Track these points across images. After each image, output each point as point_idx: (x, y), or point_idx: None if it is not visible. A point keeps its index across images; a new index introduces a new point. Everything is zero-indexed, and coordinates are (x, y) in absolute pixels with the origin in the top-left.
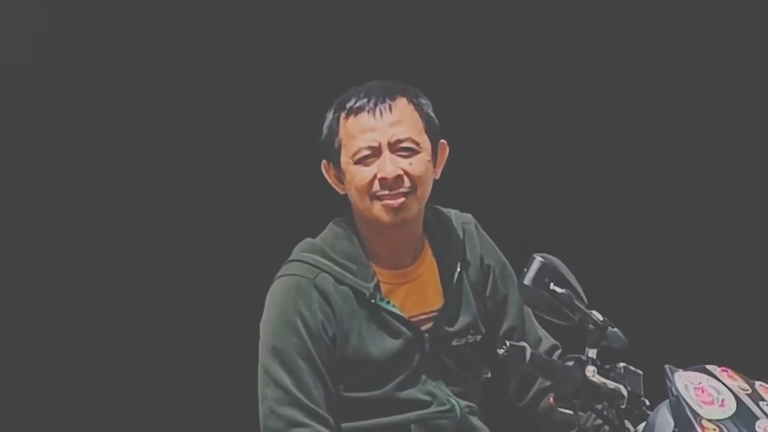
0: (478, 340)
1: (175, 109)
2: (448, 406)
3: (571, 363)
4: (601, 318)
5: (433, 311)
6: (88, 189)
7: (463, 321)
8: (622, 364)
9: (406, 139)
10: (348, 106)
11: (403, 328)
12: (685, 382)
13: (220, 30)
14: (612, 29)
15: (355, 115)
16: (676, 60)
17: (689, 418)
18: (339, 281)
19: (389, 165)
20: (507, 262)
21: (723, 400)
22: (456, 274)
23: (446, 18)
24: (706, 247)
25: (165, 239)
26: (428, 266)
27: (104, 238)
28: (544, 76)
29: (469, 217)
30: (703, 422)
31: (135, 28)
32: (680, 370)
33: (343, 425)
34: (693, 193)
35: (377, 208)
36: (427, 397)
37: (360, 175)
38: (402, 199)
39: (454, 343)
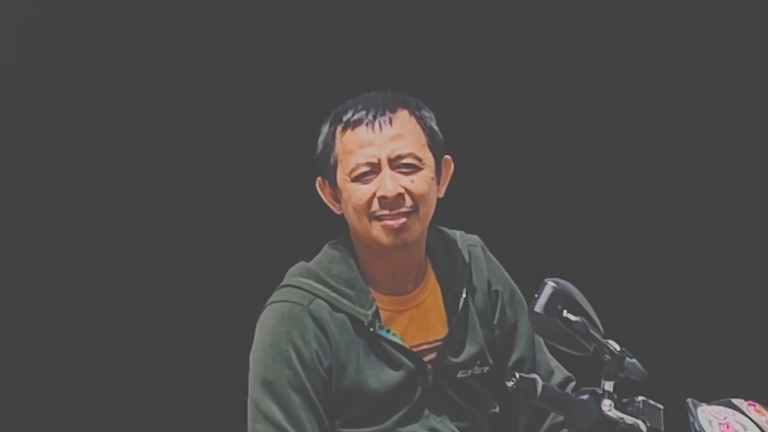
0: (485, 371)
1: (163, 123)
2: None
3: (585, 396)
4: (618, 348)
5: (436, 341)
6: (63, 212)
7: (469, 351)
8: (641, 398)
9: (408, 155)
10: (345, 119)
11: (405, 359)
12: (709, 417)
13: (208, 41)
14: (625, 48)
15: (353, 129)
16: (679, 68)
17: None
18: (335, 308)
19: (389, 183)
20: (516, 287)
21: None
22: (461, 301)
23: (451, 25)
24: (735, 273)
25: (148, 263)
26: (431, 292)
27: (84, 270)
28: (557, 90)
29: (475, 239)
30: None
31: (129, 41)
32: (704, 404)
33: None
34: (714, 212)
35: (376, 229)
36: None
37: (358, 193)
38: (403, 220)
39: (459, 375)
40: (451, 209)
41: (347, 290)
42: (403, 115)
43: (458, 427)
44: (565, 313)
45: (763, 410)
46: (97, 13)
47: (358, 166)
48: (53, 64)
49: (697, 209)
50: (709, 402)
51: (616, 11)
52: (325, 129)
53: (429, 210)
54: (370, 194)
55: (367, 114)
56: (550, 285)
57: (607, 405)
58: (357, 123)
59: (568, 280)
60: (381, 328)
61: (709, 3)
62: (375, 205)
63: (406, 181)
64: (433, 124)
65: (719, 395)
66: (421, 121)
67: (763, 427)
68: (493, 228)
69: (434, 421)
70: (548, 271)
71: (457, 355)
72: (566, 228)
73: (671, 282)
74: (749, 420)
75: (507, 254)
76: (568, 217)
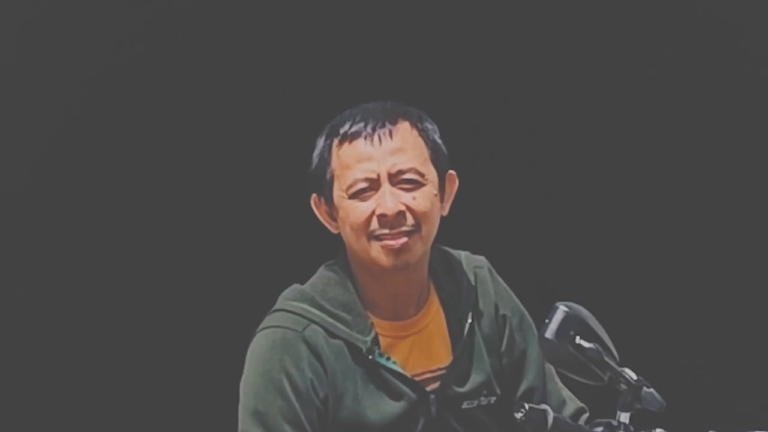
0: (492, 402)
1: (163, 124)
2: None
3: (600, 429)
4: (634, 377)
5: (440, 369)
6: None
7: (474, 380)
8: (659, 430)
9: (409, 170)
10: (342, 131)
11: (406, 389)
12: None
13: (208, 42)
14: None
15: (350, 142)
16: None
17: None
18: (331, 334)
19: (389, 200)
20: (526, 312)
21: None
22: (467, 326)
23: (451, 26)
24: (735, 273)
25: (132, 277)
26: (435, 317)
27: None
28: (557, 90)
29: (481, 260)
30: None
31: (129, 41)
32: None
33: None
34: (714, 212)
35: (375, 250)
36: None
37: (355, 211)
38: (404, 239)
39: (464, 405)
40: (455, 228)
41: (344, 315)
42: (404, 128)
43: None
44: (577, 340)
45: None
46: (97, 13)
47: (356, 181)
48: (53, 64)
49: (697, 209)
50: None
51: (617, 11)
52: (321, 142)
53: (432, 229)
54: (368, 212)
55: (365, 126)
56: (561, 309)
57: None
58: (355, 136)
59: (566, 278)
60: (380, 355)
61: (708, 2)
62: (374, 224)
63: (407, 198)
64: (437, 137)
65: (719, 396)
66: (424, 133)
67: None
68: (500, 248)
69: None
70: (560, 294)
71: (462, 385)
72: (566, 228)
73: (671, 282)
74: None
75: (515, 276)
76: (567, 218)
